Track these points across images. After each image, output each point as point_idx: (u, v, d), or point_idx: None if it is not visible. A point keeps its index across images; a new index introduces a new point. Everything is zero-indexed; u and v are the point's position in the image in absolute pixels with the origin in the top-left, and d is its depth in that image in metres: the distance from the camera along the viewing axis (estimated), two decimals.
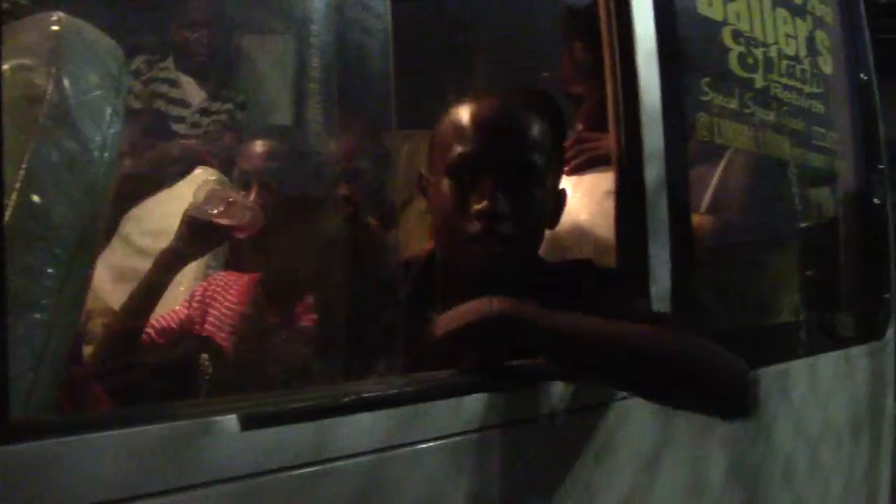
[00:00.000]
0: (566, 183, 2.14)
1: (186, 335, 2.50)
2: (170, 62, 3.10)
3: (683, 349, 1.60)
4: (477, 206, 1.64)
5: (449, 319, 1.45)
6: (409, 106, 1.49)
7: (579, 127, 2.23)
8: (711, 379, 1.62)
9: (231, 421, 1.11)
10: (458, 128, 1.71)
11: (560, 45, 2.36)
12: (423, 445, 1.31)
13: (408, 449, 1.29)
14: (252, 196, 2.15)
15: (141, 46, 2.80)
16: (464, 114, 1.71)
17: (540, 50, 1.94)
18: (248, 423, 1.12)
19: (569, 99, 2.30)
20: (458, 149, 1.68)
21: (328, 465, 1.20)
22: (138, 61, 2.91)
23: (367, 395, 1.27)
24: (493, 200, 1.64)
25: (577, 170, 2.17)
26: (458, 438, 1.36)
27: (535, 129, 1.71)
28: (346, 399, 1.25)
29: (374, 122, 1.39)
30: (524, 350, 1.48)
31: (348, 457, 1.22)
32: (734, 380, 1.65)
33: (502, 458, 1.42)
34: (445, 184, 1.69)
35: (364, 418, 1.25)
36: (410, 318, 1.48)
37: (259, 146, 2.36)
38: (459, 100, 1.75)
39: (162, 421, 1.05)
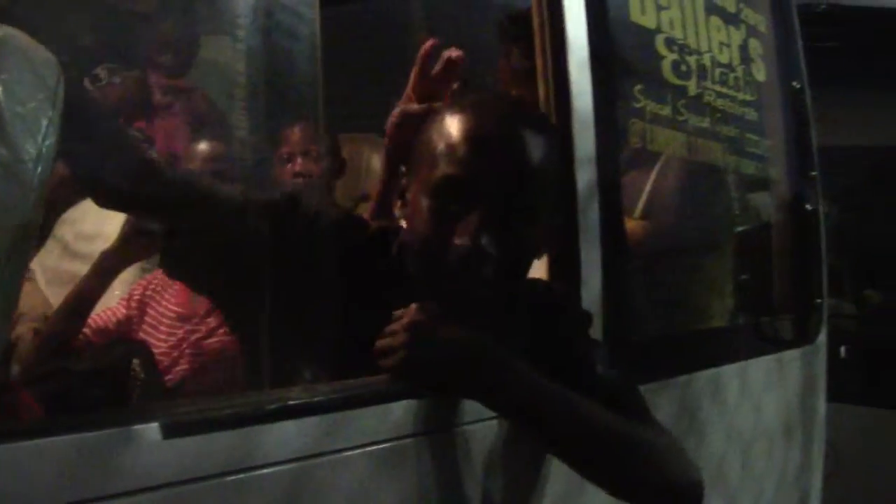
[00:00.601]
0: None
1: (123, 338, 2.49)
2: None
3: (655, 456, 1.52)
4: (457, 243, 1.42)
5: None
6: (339, 110, 1.49)
7: None
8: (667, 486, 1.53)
9: (153, 429, 1.10)
10: (448, 143, 1.47)
11: (497, 50, 2.37)
12: (349, 453, 1.31)
13: (333, 456, 1.29)
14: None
15: (104, 55, 2.78)
16: (458, 127, 1.48)
17: (473, 55, 1.95)
18: (170, 431, 1.11)
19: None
20: (445, 169, 1.45)
21: (252, 474, 1.19)
22: (100, 69, 2.88)
23: (292, 402, 1.27)
24: (476, 240, 1.42)
25: None
26: (384, 445, 1.35)
27: (538, 158, 1.48)
28: (271, 406, 1.25)
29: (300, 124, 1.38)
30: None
31: (273, 465, 1.22)
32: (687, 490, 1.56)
33: (429, 466, 1.42)
34: (425, 203, 1.47)
35: (289, 426, 1.25)
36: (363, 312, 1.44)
37: (204, 147, 2.35)
38: (457, 104, 1.53)
39: (82, 430, 1.04)
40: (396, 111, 1.81)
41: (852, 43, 4.37)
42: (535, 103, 1.83)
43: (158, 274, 2.47)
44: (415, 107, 1.80)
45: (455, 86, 1.85)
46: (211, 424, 1.17)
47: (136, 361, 2.40)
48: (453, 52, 1.86)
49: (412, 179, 1.54)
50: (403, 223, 1.58)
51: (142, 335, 2.48)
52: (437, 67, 1.83)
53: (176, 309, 2.48)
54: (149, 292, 2.52)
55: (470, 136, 1.46)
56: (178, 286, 2.44)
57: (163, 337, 2.47)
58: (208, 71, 1.45)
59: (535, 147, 1.48)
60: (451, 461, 1.46)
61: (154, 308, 2.51)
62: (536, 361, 1.44)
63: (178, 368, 2.43)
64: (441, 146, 1.47)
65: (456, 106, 1.52)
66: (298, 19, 1.36)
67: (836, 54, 4.34)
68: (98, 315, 2.46)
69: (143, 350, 2.39)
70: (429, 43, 1.86)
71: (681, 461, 1.57)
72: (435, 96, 1.82)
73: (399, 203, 1.58)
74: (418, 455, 1.41)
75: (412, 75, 1.83)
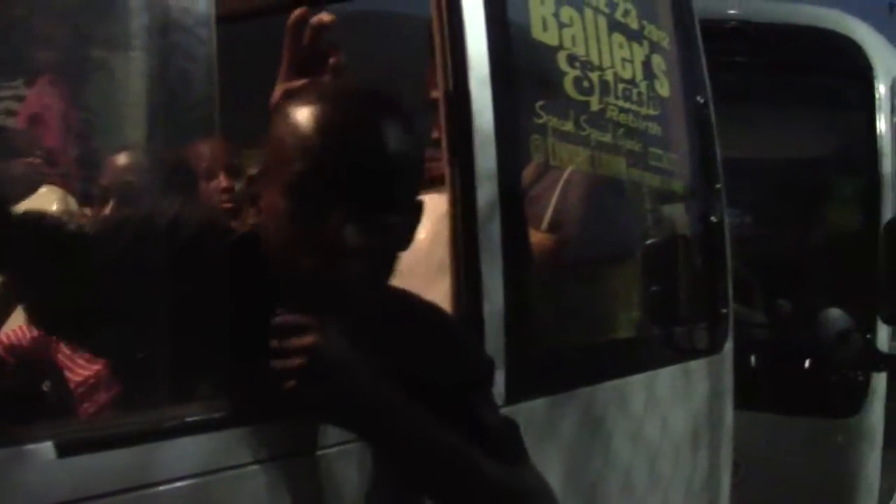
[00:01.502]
0: None
1: (35, 358, 2.45)
2: (19, 83, 3.04)
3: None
4: (325, 239, 1.36)
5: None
6: (238, 129, 1.49)
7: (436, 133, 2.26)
8: None
9: (47, 448, 1.10)
10: (300, 135, 1.38)
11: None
12: (246, 469, 1.32)
13: (230, 473, 1.30)
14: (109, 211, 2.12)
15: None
16: (308, 116, 1.39)
17: (374, 73, 1.96)
18: (65, 450, 1.12)
19: (430, 104, 2.31)
20: (301, 164, 1.37)
21: (148, 491, 1.20)
22: None
23: (189, 419, 1.28)
24: (343, 233, 1.36)
25: None
26: (280, 462, 1.37)
27: (398, 138, 1.41)
28: (168, 423, 1.26)
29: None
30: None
31: (169, 481, 1.22)
32: None
33: (327, 482, 1.44)
34: (282, 203, 1.38)
35: (186, 442, 1.26)
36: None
37: (121, 161, 2.33)
38: (301, 94, 1.44)
39: None
40: (278, 90, 1.73)
41: (761, 59, 4.45)
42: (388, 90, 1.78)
43: None
44: (298, 83, 1.66)
45: (334, 60, 1.76)
46: (106, 442, 1.17)
47: (46, 383, 2.37)
48: (323, 16, 1.76)
49: (265, 183, 1.43)
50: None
51: (60, 356, 2.43)
52: (308, 35, 1.74)
53: None
54: None
55: (321, 125, 1.38)
56: None
57: (82, 362, 2.42)
58: (104, 91, 1.45)
59: (391, 133, 1.41)
60: (348, 476, 1.47)
61: None
62: (414, 383, 1.41)
63: (95, 396, 2.39)
64: (292, 140, 1.39)
65: (300, 97, 1.43)
66: (195, 39, 1.37)
67: (746, 70, 4.44)
68: (10, 332, 2.42)
69: (55, 372, 2.36)
70: (299, 10, 1.77)
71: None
72: (314, 69, 1.74)
73: (252, 210, 1.47)
74: (315, 472, 1.42)
75: (284, 49, 1.75)
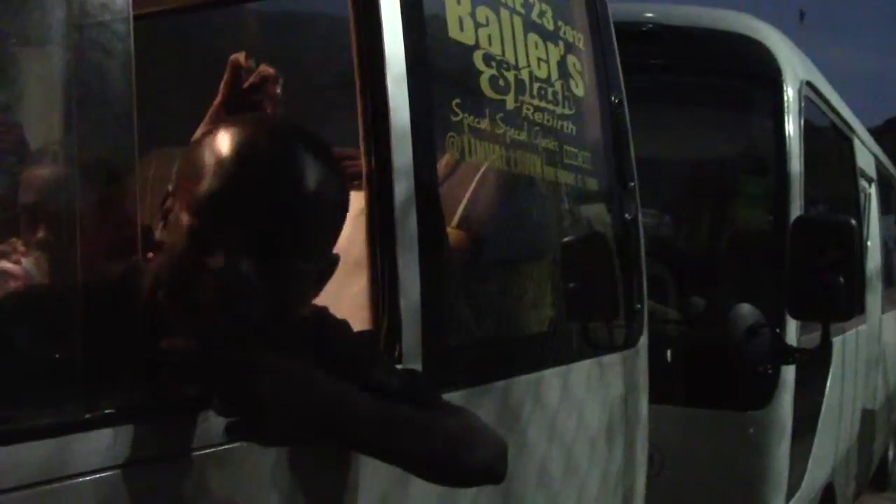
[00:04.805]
0: None
1: None
2: None
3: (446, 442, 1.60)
4: (212, 272, 1.33)
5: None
6: (157, 126, 1.49)
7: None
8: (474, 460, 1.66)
9: None
10: (217, 163, 1.35)
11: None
12: (166, 461, 1.33)
13: (149, 465, 1.30)
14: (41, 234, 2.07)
15: None
16: (229, 148, 1.36)
17: (293, 70, 1.98)
18: None
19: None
20: (208, 183, 1.34)
21: (67, 483, 1.20)
22: None
23: (108, 411, 1.28)
24: (232, 270, 1.32)
25: None
26: (199, 454, 1.38)
27: (316, 188, 1.38)
28: (87, 415, 1.26)
29: (114, 142, 1.38)
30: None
31: (87, 473, 1.23)
32: (495, 457, 1.70)
33: (251, 472, 1.45)
34: (184, 219, 1.35)
35: (105, 434, 1.26)
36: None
37: (43, 175, 2.26)
38: (230, 122, 1.46)
39: None
40: (207, 123, 1.74)
41: (675, 61, 4.54)
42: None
43: None
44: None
45: (270, 109, 1.80)
46: (23, 434, 1.17)
47: None
48: (268, 69, 1.82)
49: (177, 198, 1.40)
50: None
51: None
52: (252, 79, 1.79)
53: None
54: None
55: (237, 150, 1.36)
56: None
57: None
58: (20, 88, 1.43)
59: (313, 176, 1.38)
60: (273, 467, 1.49)
61: None
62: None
63: None
64: (209, 162, 1.36)
65: (229, 124, 1.43)
66: (112, 35, 1.37)
67: (660, 71, 4.52)
68: None
69: None
70: (241, 53, 1.82)
71: (480, 435, 1.69)
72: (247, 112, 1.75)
73: (161, 224, 1.43)
74: (235, 464, 1.43)
75: (221, 87, 1.77)
